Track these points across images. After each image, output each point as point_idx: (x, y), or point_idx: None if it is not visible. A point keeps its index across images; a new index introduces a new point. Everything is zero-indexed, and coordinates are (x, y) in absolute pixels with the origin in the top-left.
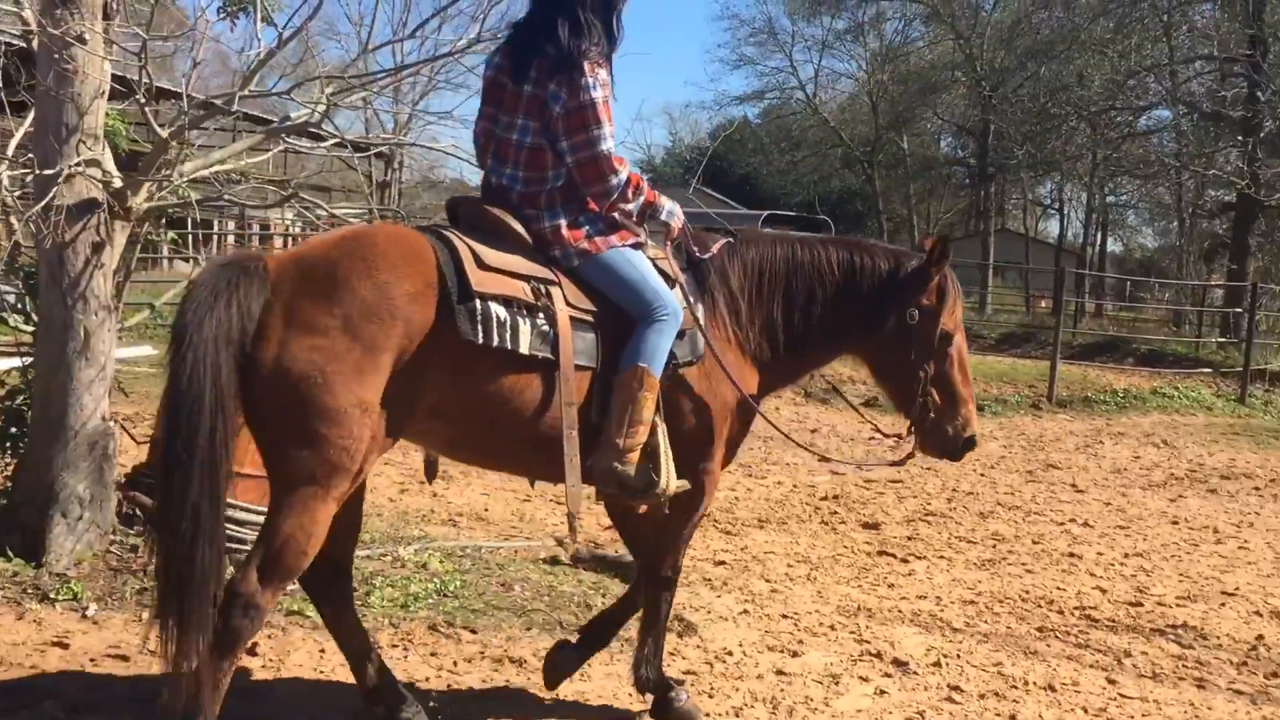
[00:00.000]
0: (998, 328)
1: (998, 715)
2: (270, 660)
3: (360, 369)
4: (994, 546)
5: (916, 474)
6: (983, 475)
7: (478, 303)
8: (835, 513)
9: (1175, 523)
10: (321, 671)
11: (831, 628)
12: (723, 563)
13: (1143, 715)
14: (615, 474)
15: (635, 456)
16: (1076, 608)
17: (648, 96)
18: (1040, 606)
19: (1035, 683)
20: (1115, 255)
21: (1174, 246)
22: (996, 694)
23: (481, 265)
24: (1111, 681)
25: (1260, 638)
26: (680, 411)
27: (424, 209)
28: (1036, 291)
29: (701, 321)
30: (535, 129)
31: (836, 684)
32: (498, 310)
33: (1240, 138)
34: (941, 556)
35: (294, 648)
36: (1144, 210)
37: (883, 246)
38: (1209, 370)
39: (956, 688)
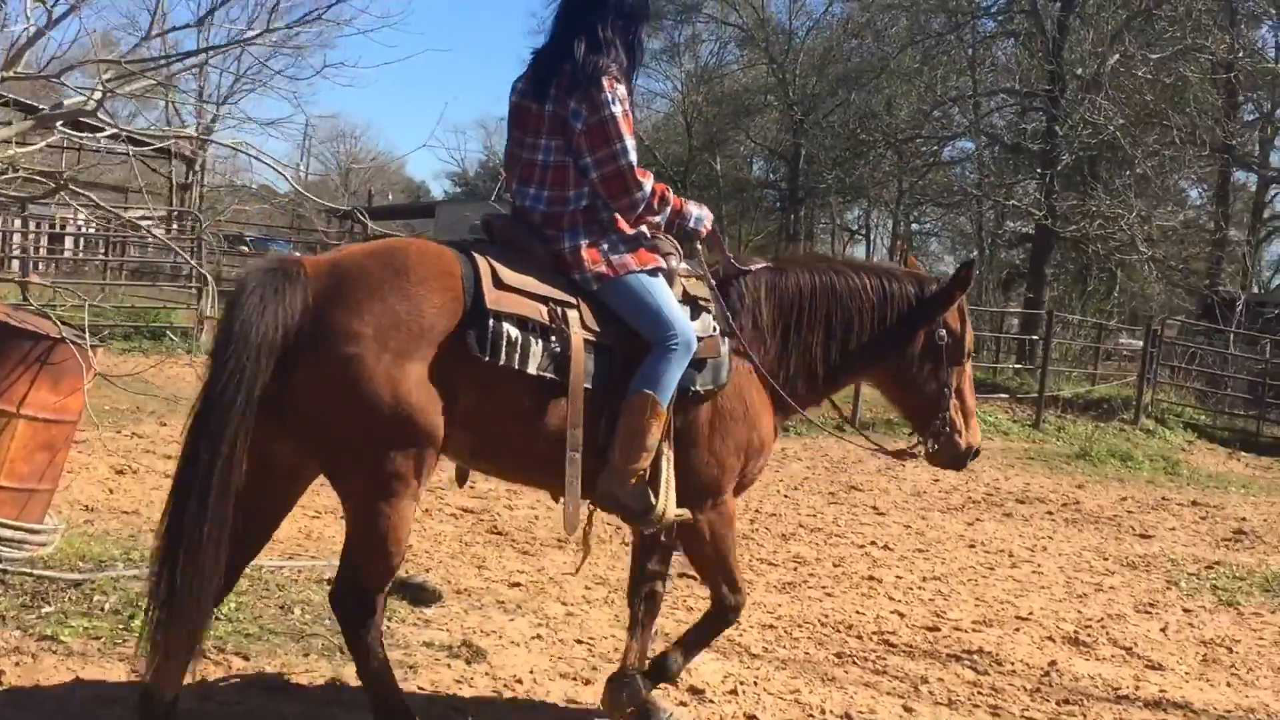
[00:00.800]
0: None
1: None
2: (15, 690)
3: (391, 378)
4: (795, 569)
5: None
6: (786, 496)
7: (490, 321)
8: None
9: (972, 546)
10: (68, 703)
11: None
12: (518, 584)
13: None
14: (615, 497)
15: (635, 481)
16: (875, 632)
17: (460, 106)
18: (839, 631)
19: (832, 711)
20: None
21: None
22: None
23: (499, 284)
24: (908, 710)
25: (1053, 664)
26: (697, 439)
27: (227, 213)
28: None
29: (725, 350)
30: (558, 147)
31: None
32: (510, 330)
33: (1039, 170)
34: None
35: (45, 677)
36: (946, 239)
37: (903, 270)
38: (1006, 396)
39: (753, 717)
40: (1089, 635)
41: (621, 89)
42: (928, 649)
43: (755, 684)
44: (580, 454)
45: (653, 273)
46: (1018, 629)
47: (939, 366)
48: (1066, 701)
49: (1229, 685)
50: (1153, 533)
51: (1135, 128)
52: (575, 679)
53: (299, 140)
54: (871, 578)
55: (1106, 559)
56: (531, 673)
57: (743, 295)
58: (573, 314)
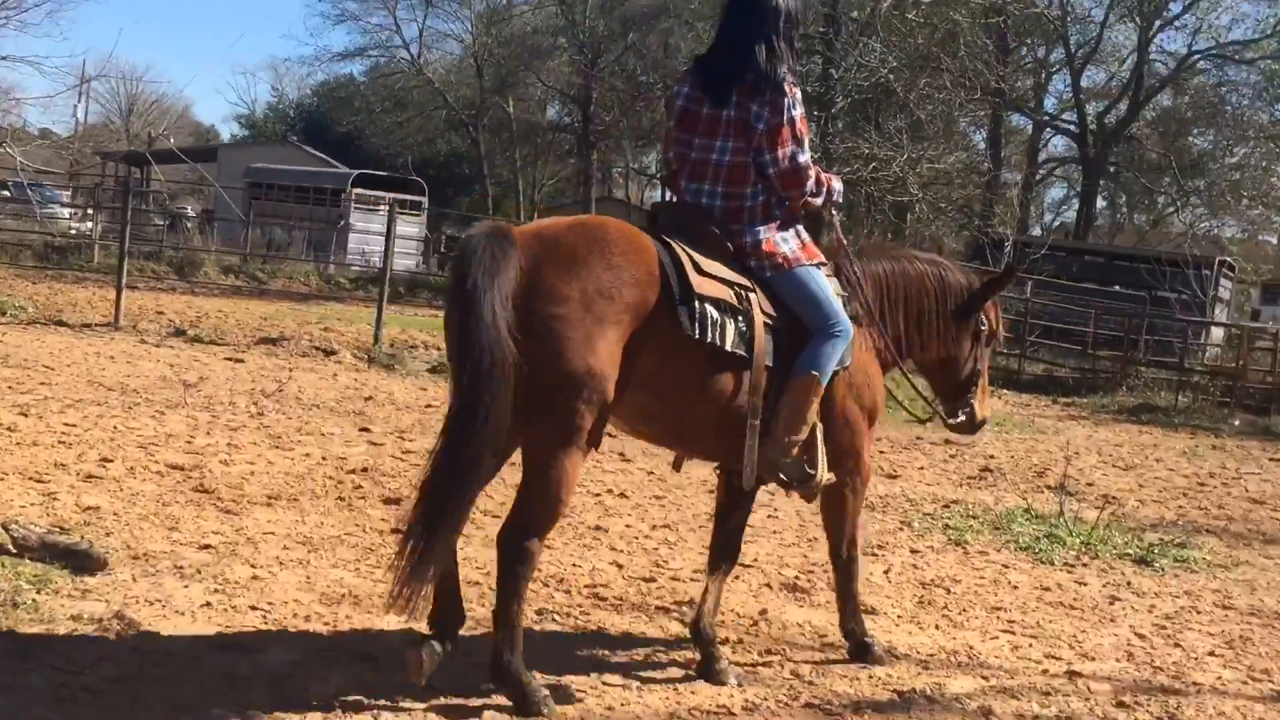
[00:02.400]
0: None
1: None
2: None
3: (590, 336)
4: None
5: None
6: None
7: (697, 304)
8: (359, 487)
9: (712, 491)
10: None
11: (306, 619)
12: (209, 546)
13: (621, 704)
14: (777, 465)
15: (796, 451)
16: (587, 585)
17: (248, 47)
18: (548, 586)
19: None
20: None
21: None
22: (470, 689)
23: (699, 271)
24: (601, 669)
25: (764, 612)
26: (836, 410)
27: None
28: None
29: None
30: (736, 148)
31: (289, 683)
32: (711, 311)
33: (816, 112)
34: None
35: None
36: None
37: (957, 265)
38: None
39: (429, 686)
40: (809, 581)
41: (799, 92)
42: (638, 602)
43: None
44: (759, 422)
45: (818, 265)
46: (738, 577)
47: (976, 349)
48: (769, 651)
49: (938, 628)
50: (900, 473)
51: (909, 71)
52: (240, 649)
53: (71, 81)
54: (599, 527)
55: None
56: (189, 647)
57: (850, 279)
58: (753, 297)
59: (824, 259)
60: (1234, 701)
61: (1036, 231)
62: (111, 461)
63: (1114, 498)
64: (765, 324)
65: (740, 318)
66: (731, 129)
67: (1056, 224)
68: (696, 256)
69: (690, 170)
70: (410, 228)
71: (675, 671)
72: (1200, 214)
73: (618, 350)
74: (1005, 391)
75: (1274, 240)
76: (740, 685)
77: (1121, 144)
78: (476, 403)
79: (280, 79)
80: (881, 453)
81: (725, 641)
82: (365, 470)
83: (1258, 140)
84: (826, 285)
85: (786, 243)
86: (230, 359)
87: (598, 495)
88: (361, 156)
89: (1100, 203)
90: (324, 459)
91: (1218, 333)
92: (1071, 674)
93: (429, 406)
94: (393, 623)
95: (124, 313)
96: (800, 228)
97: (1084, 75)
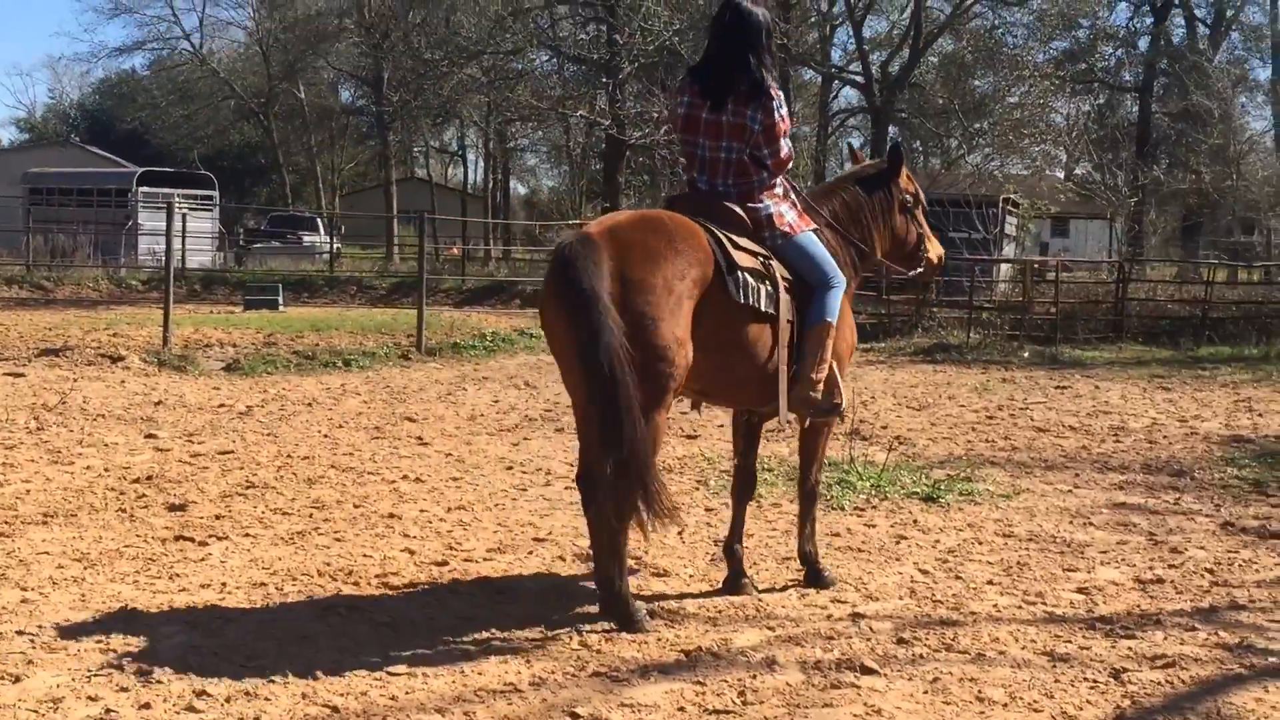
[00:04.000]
0: (392, 279)
1: (240, 719)
2: None
3: (674, 314)
4: (310, 516)
5: (253, 441)
6: (326, 436)
7: (739, 274)
8: (142, 495)
9: (510, 468)
10: None
11: (78, 638)
12: None
13: (406, 693)
14: (809, 400)
15: (822, 387)
16: (378, 575)
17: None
18: (336, 579)
19: (296, 673)
20: (524, 197)
21: (569, 188)
22: (247, 694)
23: (735, 246)
24: (385, 658)
25: (558, 585)
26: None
27: None
28: (446, 240)
29: None
30: (738, 147)
31: (55, 710)
32: (749, 279)
33: (604, 79)
34: (247, 534)
35: None
36: (542, 153)
37: (863, 168)
38: None
39: (202, 693)
40: None
41: (780, 94)
42: (429, 585)
43: (216, 654)
44: (786, 368)
45: (816, 230)
46: (531, 552)
47: (909, 218)
48: (559, 624)
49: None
50: (699, 433)
51: (693, 34)
52: (4, 677)
53: None
54: (392, 515)
55: None
56: None
57: (828, 232)
58: (773, 264)
59: (816, 225)
60: (1008, 627)
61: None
62: None
63: (904, 438)
64: (785, 285)
65: (768, 281)
66: (733, 132)
67: None
68: (730, 235)
69: (701, 166)
70: (202, 223)
71: (463, 654)
72: (988, 155)
73: (690, 320)
74: None
75: (1060, 175)
76: (757, 595)
77: (907, 91)
78: (617, 387)
79: (59, 78)
80: (683, 414)
81: (514, 620)
82: (150, 479)
83: (1034, 79)
84: (822, 245)
85: (789, 214)
86: (9, 374)
87: (393, 482)
88: (150, 153)
89: None
90: (106, 470)
91: (1006, 269)
92: (855, 616)
93: (221, 406)
94: (172, 632)
95: None
96: (794, 199)
97: (865, 25)
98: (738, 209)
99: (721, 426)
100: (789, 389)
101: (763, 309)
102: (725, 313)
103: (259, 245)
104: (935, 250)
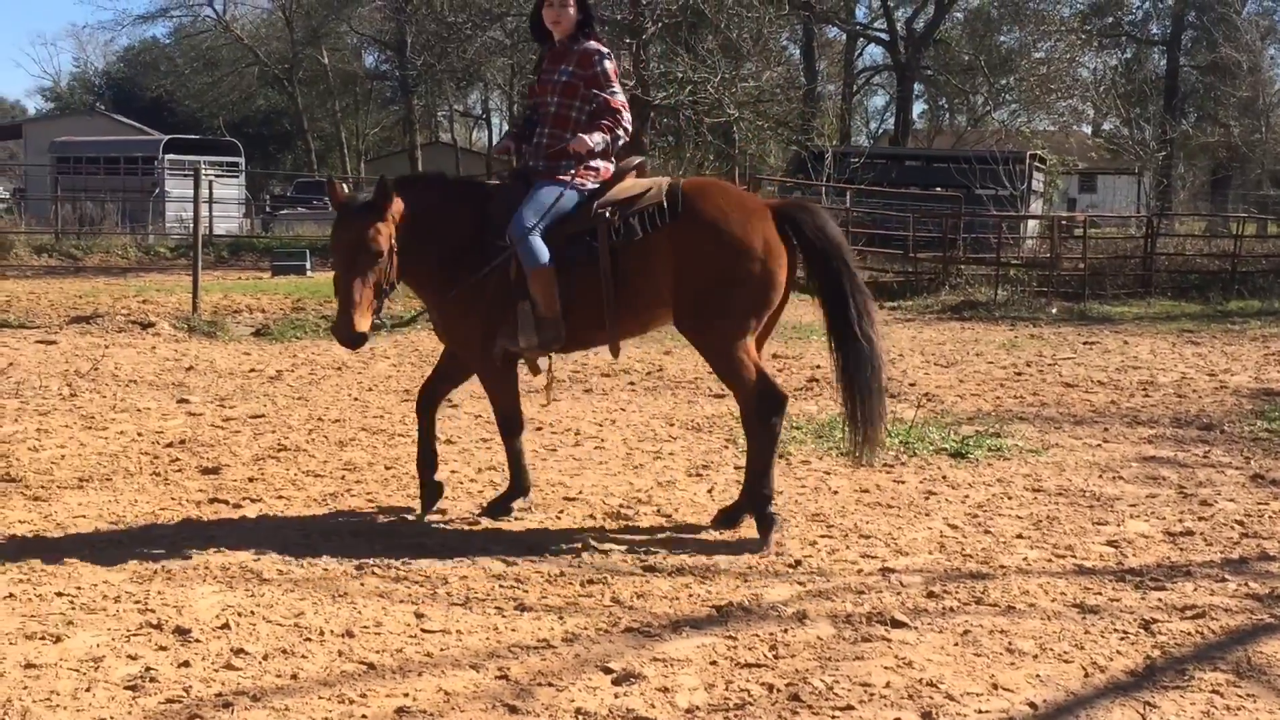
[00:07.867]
0: None
1: (278, 676)
2: None
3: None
4: (343, 478)
5: (284, 405)
6: (356, 399)
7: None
8: (176, 460)
9: (540, 429)
10: None
11: (116, 599)
12: (13, 536)
13: (440, 649)
14: None
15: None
16: (410, 535)
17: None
18: (370, 540)
19: (333, 631)
20: None
21: None
22: (284, 651)
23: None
24: (419, 616)
25: (585, 546)
26: None
27: None
28: None
29: None
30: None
31: (96, 669)
32: None
33: (628, 40)
34: (280, 497)
35: None
36: None
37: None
38: None
39: (240, 650)
40: (633, 509)
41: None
42: (458, 546)
43: (253, 613)
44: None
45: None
46: (562, 511)
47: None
48: (591, 581)
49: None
50: (726, 392)
51: None
52: (45, 637)
53: None
54: None
55: (673, 425)
56: None
57: None
58: None
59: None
60: (1038, 579)
61: (863, 140)
62: None
63: (933, 395)
64: None
65: None
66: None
67: (881, 131)
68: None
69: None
70: (229, 190)
71: (496, 610)
72: (1015, 111)
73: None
74: None
75: (1088, 130)
76: (782, 531)
77: (932, 47)
78: (852, 320)
79: (83, 47)
80: (709, 374)
81: (544, 577)
82: (183, 443)
83: (1060, 34)
84: None
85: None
86: (42, 341)
87: None
88: (175, 121)
89: (923, 107)
90: (139, 435)
91: (1033, 225)
92: (885, 570)
93: (252, 370)
94: (208, 592)
95: None
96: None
97: None
98: None
99: None
100: None
101: None
102: None
103: (285, 211)
104: None
